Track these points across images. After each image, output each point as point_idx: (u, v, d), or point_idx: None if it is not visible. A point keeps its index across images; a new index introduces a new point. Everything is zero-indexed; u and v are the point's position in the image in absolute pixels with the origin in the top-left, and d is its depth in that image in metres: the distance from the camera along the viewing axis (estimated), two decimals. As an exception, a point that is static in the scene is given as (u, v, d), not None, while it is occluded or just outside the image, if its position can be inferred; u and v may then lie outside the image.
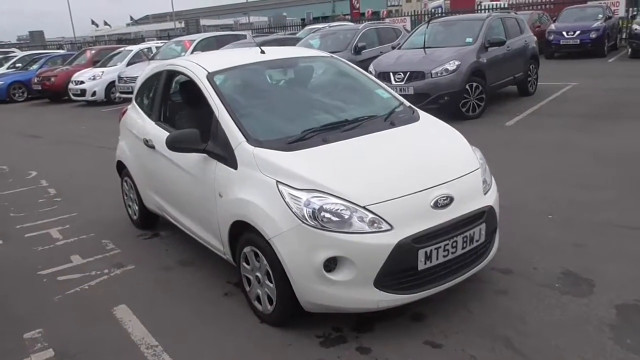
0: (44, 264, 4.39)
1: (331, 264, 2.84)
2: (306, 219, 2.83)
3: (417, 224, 2.89)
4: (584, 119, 8.10)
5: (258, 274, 3.21)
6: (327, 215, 2.83)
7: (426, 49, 9.02)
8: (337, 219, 2.83)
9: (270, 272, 3.06)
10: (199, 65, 3.84)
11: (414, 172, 3.10)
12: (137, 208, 4.94)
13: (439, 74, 8.31)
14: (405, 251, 2.83)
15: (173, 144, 3.45)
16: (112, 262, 4.37)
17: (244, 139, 3.25)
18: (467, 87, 8.44)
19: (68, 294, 3.86)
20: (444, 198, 2.99)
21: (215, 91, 3.56)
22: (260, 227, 3.00)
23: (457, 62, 8.37)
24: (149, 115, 4.45)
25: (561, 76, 12.35)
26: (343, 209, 2.84)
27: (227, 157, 3.30)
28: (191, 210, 3.85)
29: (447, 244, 2.95)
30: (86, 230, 5.11)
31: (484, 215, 3.15)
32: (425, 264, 2.90)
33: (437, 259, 2.94)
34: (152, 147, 4.20)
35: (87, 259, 4.45)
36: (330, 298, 2.90)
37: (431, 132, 3.63)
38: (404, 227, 2.85)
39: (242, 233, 3.25)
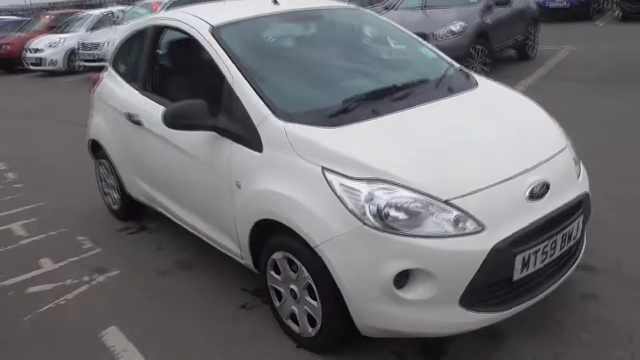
0: (8, 271, 3.55)
1: (403, 278, 2.12)
2: (369, 219, 2.10)
3: (512, 222, 2.19)
4: (595, 84, 7.51)
5: (294, 287, 2.48)
6: (397, 213, 2.10)
7: (426, 9, 8.25)
8: (411, 218, 2.10)
9: (315, 286, 2.33)
10: (198, 18, 3.00)
11: (498, 153, 2.39)
12: (117, 196, 4.11)
13: (442, 37, 7.56)
14: (501, 258, 2.13)
15: (173, 120, 2.64)
16: (91, 266, 3.55)
17: (270, 112, 2.47)
18: (471, 50, 7.74)
19: (40, 313, 3.05)
20: (540, 186, 2.30)
21: (225, 50, 2.75)
22: (301, 230, 2.26)
23: (462, 23, 7.62)
24: (132, 84, 3.59)
25: (555, 40, 11.71)
26: (418, 205, 2.11)
27: (247, 137, 2.52)
28: (195, 203, 3.07)
29: (547, 245, 2.27)
30: (56, 225, 4.25)
31: (582, 205, 2.47)
32: (521, 272, 2.22)
33: (534, 265, 2.26)
34: (139, 123, 3.36)
35: (59, 263, 3.62)
36: (400, 322, 2.19)
37: (499, 100, 2.91)
38: (498, 227, 2.15)
39: (270, 234, 2.52)
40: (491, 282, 2.18)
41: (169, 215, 3.49)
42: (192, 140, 2.84)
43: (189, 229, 3.27)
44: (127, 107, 3.50)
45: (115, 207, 4.24)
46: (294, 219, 2.29)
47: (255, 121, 2.49)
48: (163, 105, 3.12)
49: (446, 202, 2.12)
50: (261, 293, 3.04)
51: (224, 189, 2.68)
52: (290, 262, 2.45)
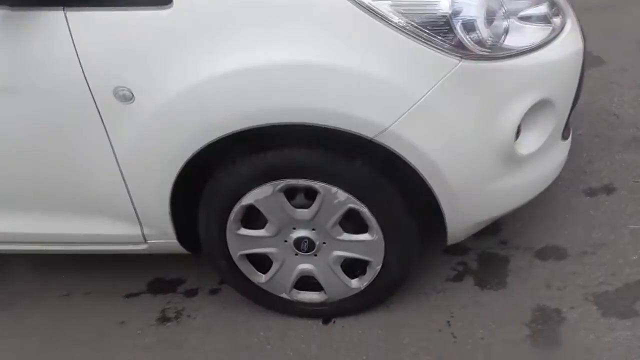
0: None
1: (514, 126, 1.32)
2: (468, 46, 1.16)
3: (568, -1, 1.56)
4: None
5: (304, 233, 1.40)
6: (502, 21, 1.22)
7: None
8: (518, 21, 1.26)
9: (368, 210, 1.32)
10: None
11: None
12: None
13: None
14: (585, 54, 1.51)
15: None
16: None
17: None
18: None
19: None
20: None
21: None
22: (349, 118, 1.17)
23: None
24: None
25: None
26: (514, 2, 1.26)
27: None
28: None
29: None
30: None
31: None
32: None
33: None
34: None
35: None
36: (512, 197, 1.42)
37: None
38: (567, 10, 1.48)
39: (212, 170, 1.33)
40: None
41: None
42: None
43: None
44: None
45: None
46: (322, 103, 1.16)
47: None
48: None
49: (537, -15, 1.32)
50: (157, 282, 1.82)
51: (75, 121, 1.26)
52: (290, 194, 1.35)
